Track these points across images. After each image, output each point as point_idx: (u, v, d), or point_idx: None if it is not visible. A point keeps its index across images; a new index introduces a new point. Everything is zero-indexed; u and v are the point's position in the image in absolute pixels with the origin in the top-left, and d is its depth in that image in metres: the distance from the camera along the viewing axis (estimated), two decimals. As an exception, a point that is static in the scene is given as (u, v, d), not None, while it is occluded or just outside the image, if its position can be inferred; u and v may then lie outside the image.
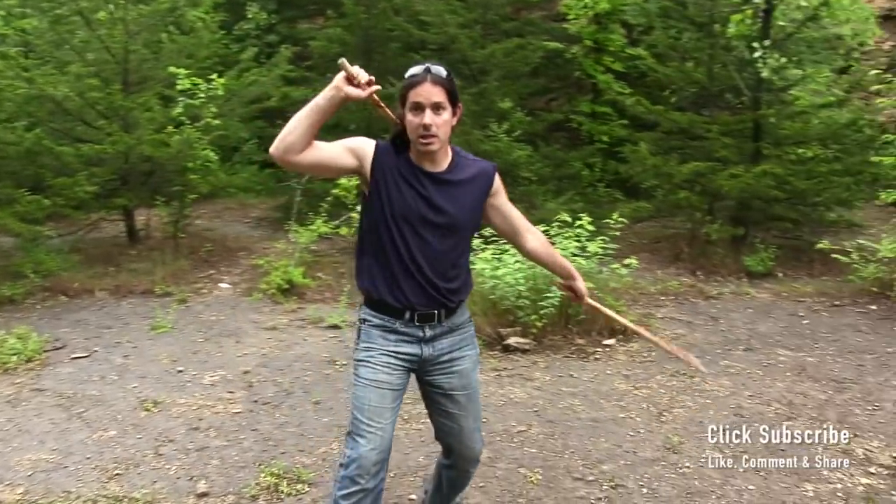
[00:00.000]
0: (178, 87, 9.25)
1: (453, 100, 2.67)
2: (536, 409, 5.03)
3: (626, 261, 6.87)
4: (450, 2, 11.92)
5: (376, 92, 2.56)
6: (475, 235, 3.06)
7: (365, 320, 2.84)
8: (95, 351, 6.38)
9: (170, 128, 9.16)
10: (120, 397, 5.31)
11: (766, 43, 9.22)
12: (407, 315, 2.77)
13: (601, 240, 6.78)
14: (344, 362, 6.00)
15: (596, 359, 6.10)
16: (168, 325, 7.02)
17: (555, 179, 12.04)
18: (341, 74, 2.49)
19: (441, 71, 2.66)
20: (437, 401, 2.97)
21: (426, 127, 2.59)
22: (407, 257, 2.72)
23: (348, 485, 2.69)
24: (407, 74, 2.67)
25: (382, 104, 2.70)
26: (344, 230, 9.11)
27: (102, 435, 4.67)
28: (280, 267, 8.23)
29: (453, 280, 2.84)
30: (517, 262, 6.47)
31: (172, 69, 9.38)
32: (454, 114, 2.70)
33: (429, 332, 2.82)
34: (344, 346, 6.48)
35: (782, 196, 9.29)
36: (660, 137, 10.66)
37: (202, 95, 9.29)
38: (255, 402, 5.21)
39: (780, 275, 9.04)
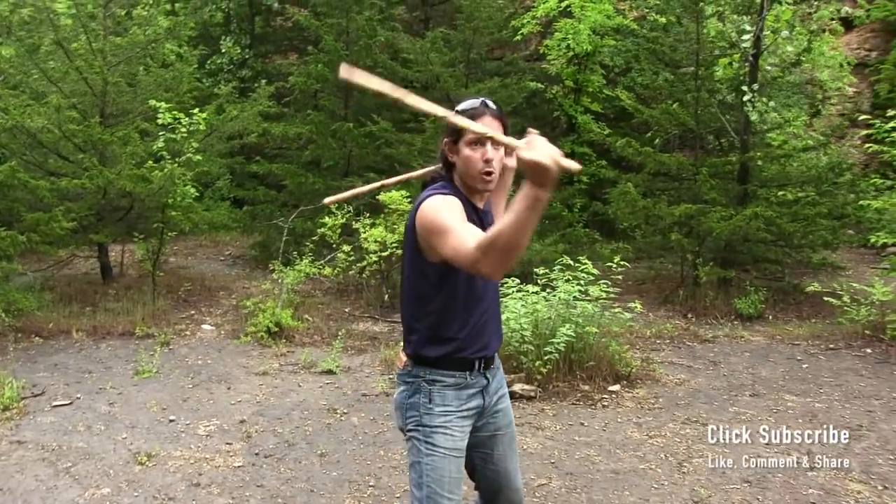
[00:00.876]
0: (160, 121, 9.02)
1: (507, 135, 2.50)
2: (553, 461, 4.83)
3: (630, 304, 6.75)
4: (433, 40, 11.86)
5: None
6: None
7: (435, 381, 2.59)
8: (78, 398, 6.04)
9: (150, 162, 8.90)
10: (110, 450, 4.99)
11: (755, 86, 9.28)
12: (477, 365, 2.62)
13: (604, 283, 6.66)
14: (345, 411, 5.76)
15: (604, 406, 5.93)
16: (153, 369, 6.70)
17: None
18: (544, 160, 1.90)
19: (495, 105, 2.55)
20: (483, 446, 2.75)
21: (488, 161, 2.48)
22: (483, 304, 2.61)
23: None
24: (462, 107, 2.52)
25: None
26: (328, 271, 8.90)
27: (95, 493, 4.34)
28: (267, 308, 7.95)
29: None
30: (522, 306, 6.33)
31: (153, 102, 9.15)
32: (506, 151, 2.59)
33: (490, 378, 2.69)
34: (342, 392, 6.24)
35: (770, 238, 9.30)
36: (645, 179, 10.66)
37: (184, 130, 9.06)
38: (257, 454, 4.93)
39: (771, 317, 9.04)
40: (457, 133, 2.51)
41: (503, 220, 1.95)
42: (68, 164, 9.30)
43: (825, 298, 8.44)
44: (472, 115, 2.46)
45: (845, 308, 8.08)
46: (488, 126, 2.39)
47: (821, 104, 13.47)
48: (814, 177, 10.02)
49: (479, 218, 2.56)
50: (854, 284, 8.38)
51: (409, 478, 2.64)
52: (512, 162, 2.68)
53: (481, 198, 2.61)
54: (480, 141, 2.46)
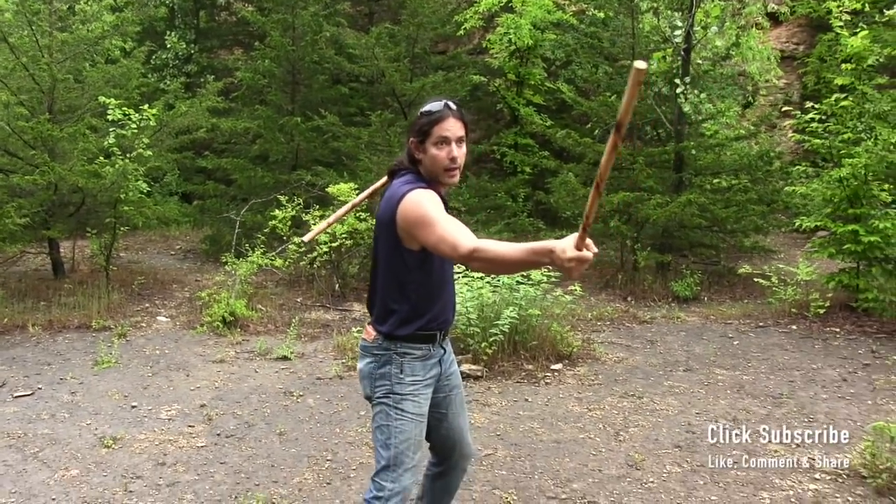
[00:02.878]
0: (109, 117, 9.12)
1: (468, 133, 2.81)
2: (499, 434, 5.17)
3: (571, 287, 7.13)
4: (378, 36, 12.10)
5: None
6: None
7: (406, 353, 2.85)
8: (39, 388, 6.19)
9: (101, 158, 9.00)
10: (75, 435, 5.19)
11: (687, 80, 9.73)
12: (438, 336, 2.92)
13: (545, 268, 7.02)
14: (300, 393, 6.03)
15: (546, 383, 6.29)
16: (112, 360, 6.87)
17: (482, 210, 12.32)
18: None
19: (456, 106, 2.77)
20: (439, 406, 3.04)
21: (453, 159, 2.72)
22: (447, 283, 2.94)
23: None
24: (427, 109, 2.76)
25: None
26: (280, 262, 9.12)
27: (65, 474, 4.55)
28: (222, 299, 8.16)
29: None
30: (468, 290, 6.65)
31: (102, 98, 9.25)
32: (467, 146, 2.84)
33: (445, 347, 3.03)
34: (297, 377, 6.50)
35: (705, 223, 9.78)
36: (585, 169, 11.07)
37: (134, 126, 9.18)
38: (219, 435, 5.17)
39: (706, 299, 9.52)
40: (423, 134, 2.73)
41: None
42: (18, 160, 9.34)
43: (755, 280, 8.98)
44: (438, 117, 2.71)
45: (774, 288, 8.61)
46: (453, 127, 2.70)
47: (752, 96, 14.07)
48: (745, 165, 10.54)
49: (446, 206, 2.78)
50: (780, 266, 8.90)
51: (374, 440, 2.89)
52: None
53: (444, 188, 2.84)
54: (446, 140, 2.70)
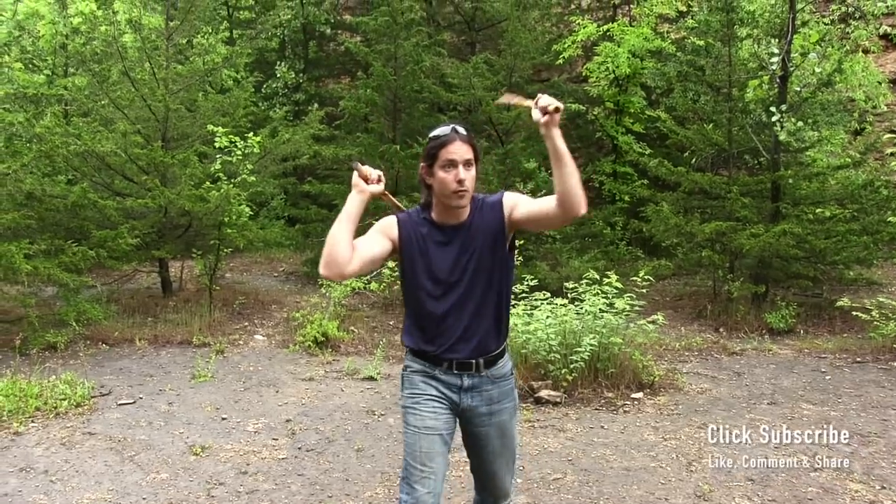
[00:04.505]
0: (217, 145, 9.65)
1: (478, 157, 2.86)
2: (570, 459, 5.22)
3: (653, 317, 7.10)
4: (476, 65, 12.35)
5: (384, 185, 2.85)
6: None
7: (408, 366, 3.01)
8: (140, 398, 6.62)
9: (207, 183, 9.53)
10: (168, 442, 5.53)
11: (783, 107, 9.54)
12: (446, 364, 2.93)
13: (628, 297, 7.02)
14: (382, 412, 6.23)
15: (625, 411, 6.28)
16: (208, 374, 7.27)
17: (578, 238, 12.31)
18: (356, 177, 2.81)
19: (465, 130, 2.85)
20: (474, 448, 3.07)
21: (461, 182, 2.77)
22: (439, 313, 2.91)
23: None
24: (435, 134, 2.84)
25: (388, 194, 2.94)
26: (374, 286, 9.38)
27: (155, 477, 4.88)
28: (315, 320, 8.48)
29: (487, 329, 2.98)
30: (548, 317, 6.72)
31: (211, 127, 9.80)
32: (477, 169, 2.88)
33: (467, 382, 2.95)
34: (381, 397, 6.72)
35: (801, 254, 9.54)
36: (681, 197, 10.97)
37: (239, 153, 9.68)
38: (300, 448, 5.42)
39: (802, 332, 9.25)
40: (431, 158, 2.80)
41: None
42: (133, 185, 9.99)
43: (856, 314, 8.65)
44: (444, 141, 2.78)
45: (875, 323, 8.30)
46: (459, 150, 2.77)
47: (866, 122, 13.59)
48: (849, 194, 10.22)
49: (455, 234, 2.89)
50: (882, 299, 8.57)
51: None
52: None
53: (456, 216, 2.88)
54: (452, 163, 2.76)
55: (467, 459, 3.18)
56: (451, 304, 2.88)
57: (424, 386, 2.93)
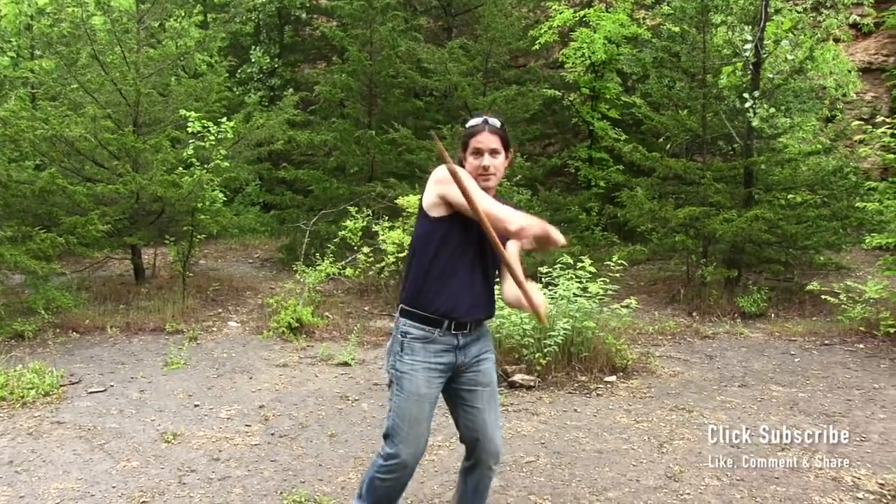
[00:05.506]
0: (189, 130, 9.55)
1: (507, 146, 3.18)
2: (543, 442, 5.24)
3: (627, 301, 7.14)
4: (452, 50, 12.31)
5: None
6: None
7: (407, 333, 3.20)
8: (111, 386, 6.56)
9: (180, 168, 9.44)
10: (139, 430, 5.49)
11: (756, 94, 9.61)
12: (446, 324, 3.19)
13: (602, 281, 7.06)
14: (356, 398, 6.22)
15: (598, 395, 6.32)
16: (181, 361, 7.22)
17: (554, 223, 12.22)
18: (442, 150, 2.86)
19: (496, 122, 3.18)
20: (464, 399, 3.32)
21: (485, 168, 3.11)
22: (456, 274, 3.18)
23: (385, 472, 3.23)
24: (468, 125, 3.20)
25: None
26: (349, 271, 9.36)
27: (126, 465, 4.84)
28: (289, 306, 8.45)
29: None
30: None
31: (183, 112, 9.70)
32: (507, 157, 3.21)
33: (462, 340, 3.23)
34: (355, 382, 6.71)
35: (773, 239, 9.63)
36: (655, 183, 11.02)
37: (212, 138, 9.59)
38: (273, 434, 5.40)
39: (773, 315, 9.36)
40: (464, 146, 3.18)
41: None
42: (103, 170, 9.85)
43: (825, 297, 8.77)
44: (473, 131, 3.14)
45: (843, 306, 8.42)
46: (486, 140, 3.11)
47: (836, 110, 13.71)
48: (820, 180, 10.32)
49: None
50: (850, 283, 8.68)
51: None
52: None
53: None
54: (479, 151, 3.11)
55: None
56: (464, 268, 3.17)
57: (424, 353, 3.18)
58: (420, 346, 3.17)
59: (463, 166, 3.15)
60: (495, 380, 3.39)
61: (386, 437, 3.24)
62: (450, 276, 3.15)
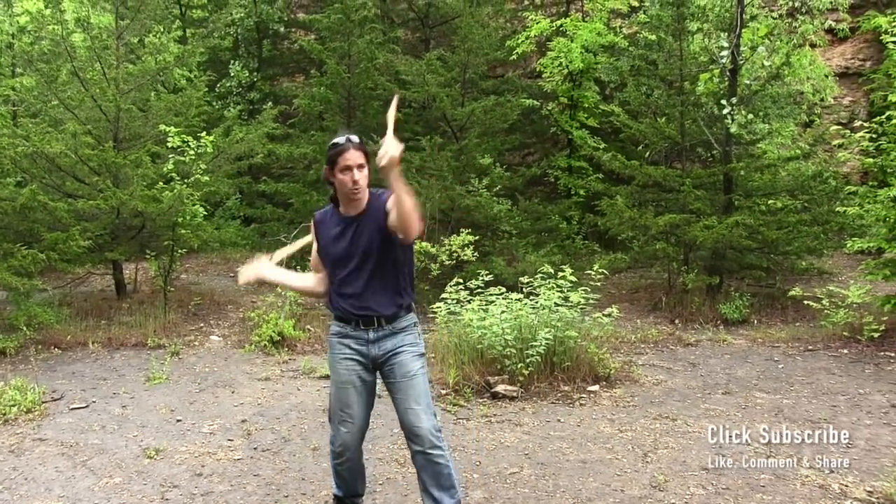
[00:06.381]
0: (169, 145, 9.52)
1: (368, 158, 3.49)
2: (527, 453, 5.24)
3: (608, 310, 7.16)
4: (430, 62, 12.33)
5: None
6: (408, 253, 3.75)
7: (330, 328, 3.76)
8: (93, 402, 6.52)
9: (160, 183, 9.40)
10: (122, 446, 5.45)
11: (734, 100, 9.68)
12: (353, 322, 3.65)
13: (583, 290, 7.07)
14: (339, 410, 6.20)
15: (581, 404, 6.33)
16: (163, 376, 7.18)
17: (534, 233, 12.38)
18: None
19: (356, 139, 3.49)
20: (390, 391, 3.70)
21: (356, 182, 3.45)
22: (353, 281, 3.60)
23: (336, 457, 3.84)
24: (333, 143, 3.49)
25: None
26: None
27: (108, 482, 4.80)
28: (271, 319, 8.42)
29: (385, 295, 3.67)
30: (503, 312, 6.74)
31: (163, 127, 9.67)
32: (369, 168, 3.51)
33: (373, 335, 3.64)
34: (337, 394, 6.68)
35: (754, 245, 9.69)
36: (635, 191, 11.08)
37: (192, 152, 9.56)
38: (255, 449, 5.37)
39: (756, 322, 9.40)
40: (332, 163, 3.47)
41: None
42: (84, 186, 9.79)
43: (807, 303, 8.82)
44: (340, 150, 3.44)
45: (826, 311, 8.47)
46: (353, 157, 3.42)
47: (814, 115, 13.84)
48: (799, 185, 10.40)
49: (354, 223, 3.55)
50: (832, 288, 8.74)
51: None
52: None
53: (355, 208, 3.55)
54: (348, 168, 3.43)
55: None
56: (350, 275, 3.57)
57: (340, 347, 3.69)
58: (336, 341, 3.70)
59: (330, 182, 3.53)
60: (415, 369, 3.64)
61: (329, 422, 3.80)
62: (345, 282, 3.59)
